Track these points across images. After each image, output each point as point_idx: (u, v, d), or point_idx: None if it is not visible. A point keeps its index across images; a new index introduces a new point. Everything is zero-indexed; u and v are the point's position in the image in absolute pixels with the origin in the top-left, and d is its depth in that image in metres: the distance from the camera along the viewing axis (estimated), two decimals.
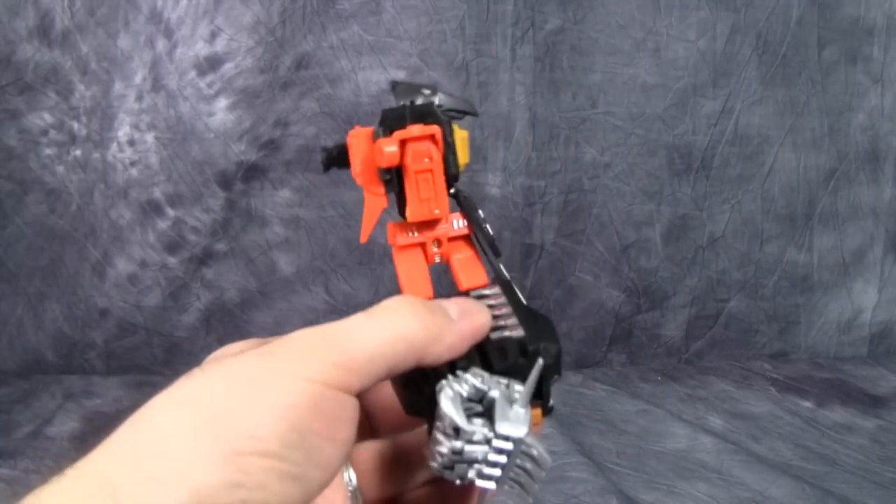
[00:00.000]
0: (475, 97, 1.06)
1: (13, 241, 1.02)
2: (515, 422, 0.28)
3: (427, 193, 0.35)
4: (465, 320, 0.31)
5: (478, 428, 0.28)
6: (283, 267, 1.06)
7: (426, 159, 0.35)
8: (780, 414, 0.98)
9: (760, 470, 0.82)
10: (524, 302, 0.34)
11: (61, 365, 1.04)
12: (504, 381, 0.30)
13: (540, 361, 0.30)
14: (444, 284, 0.37)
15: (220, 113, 1.02)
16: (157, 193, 1.03)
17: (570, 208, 1.09)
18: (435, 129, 0.35)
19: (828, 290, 1.16)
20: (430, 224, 0.36)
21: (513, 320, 0.33)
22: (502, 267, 0.36)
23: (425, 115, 0.35)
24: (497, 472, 0.28)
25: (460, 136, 0.36)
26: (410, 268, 0.36)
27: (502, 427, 0.28)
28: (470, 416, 0.29)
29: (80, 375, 1.03)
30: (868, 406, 1.00)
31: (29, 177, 1.01)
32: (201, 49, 1.00)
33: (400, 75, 1.03)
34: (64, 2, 0.98)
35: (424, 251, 0.36)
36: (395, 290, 0.34)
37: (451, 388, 0.29)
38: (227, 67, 1.01)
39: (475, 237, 0.36)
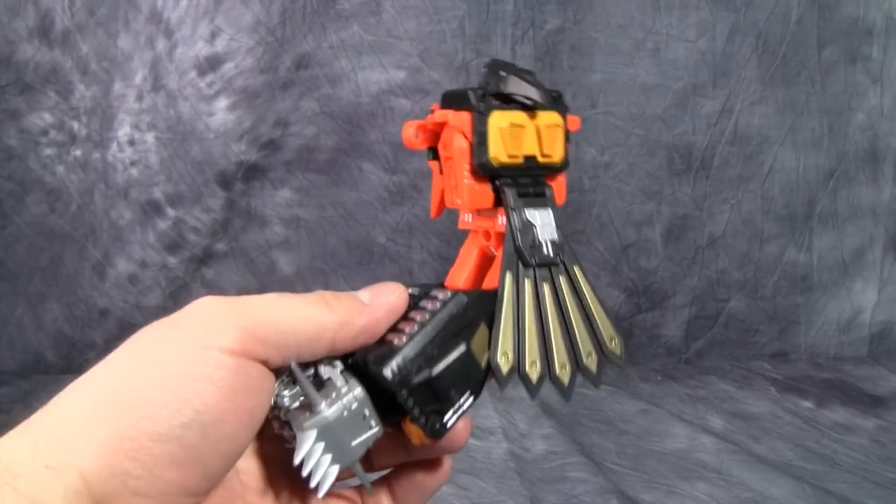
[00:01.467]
0: None
1: (13, 241, 1.02)
2: (307, 416, 0.29)
3: (450, 182, 0.35)
4: (378, 302, 0.31)
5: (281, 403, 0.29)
6: (283, 267, 1.06)
7: (448, 147, 0.34)
8: (780, 414, 0.98)
9: (760, 470, 0.82)
10: (505, 324, 0.33)
11: (61, 365, 1.04)
12: (346, 377, 0.30)
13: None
14: None
15: (220, 113, 1.02)
16: (158, 193, 1.03)
17: (570, 208, 1.09)
18: (459, 117, 0.34)
19: (827, 290, 1.16)
20: (489, 213, 0.35)
21: (414, 329, 0.31)
22: (508, 278, 0.34)
23: (457, 100, 0.34)
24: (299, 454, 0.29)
25: (495, 125, 0.34)
26: (462, 254, 0.37)
27: (291, 415, 0.29)
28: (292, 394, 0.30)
29: (80, 375, 1.02)
30: (868, 406, 1.00)
31: (29, 177, 1.01)
32: (201, 49, 1.00)
33: (400, 75, 1.03)
34: (64, 2, 0.98)
35: (480, 241, 0.36)
36: None
37: (293, 366, 0.29)
38: (227, 67, 1.01)
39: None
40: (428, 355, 0.31)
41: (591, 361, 0.34)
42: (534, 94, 0.35)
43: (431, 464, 0.34)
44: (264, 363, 0.28)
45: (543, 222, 0.35)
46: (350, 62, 1.03)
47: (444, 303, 0.33)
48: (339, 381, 0.31)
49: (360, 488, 0.34)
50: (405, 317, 0.32)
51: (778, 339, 1.16)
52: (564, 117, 0.36)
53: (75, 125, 1.01)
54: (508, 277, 0.34)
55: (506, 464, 0.83)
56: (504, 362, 0.33)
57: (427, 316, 0.32)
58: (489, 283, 0.35)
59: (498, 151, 0.34)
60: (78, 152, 1.02)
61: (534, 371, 0.33)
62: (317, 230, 1.06)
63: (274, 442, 0.31)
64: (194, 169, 1.02)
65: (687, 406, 0.99)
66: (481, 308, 0.33)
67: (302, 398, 0.30)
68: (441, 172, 0.35)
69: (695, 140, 1.09)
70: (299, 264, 1.06)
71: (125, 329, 1.04)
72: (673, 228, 1.11)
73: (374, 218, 1.05)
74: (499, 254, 0.35)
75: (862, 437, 0.91)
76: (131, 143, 1.02)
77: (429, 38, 1.02)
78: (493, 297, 0.34)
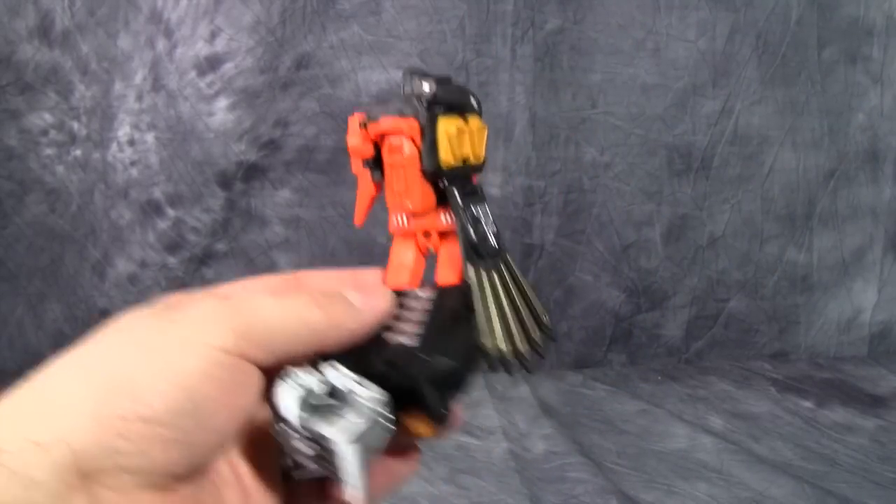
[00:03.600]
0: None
1: (13, 241, 1.02)
2: (338, 427, 0.29)
3: (399, 186, 0.37)
4: (367, 307, 0.32)
5: (294, 417, 0.28)
6: (283, 267, 1.06)
7: (397, 154, 0.36)
8: (780, 414, 0.98)
9: (760, 470, 0.82)
10: (486, 315, 0.35)
11: None
12: (361, 383, 0.30)
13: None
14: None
15: (220, 113, 1.02)
16: (157, 193, 1.03)
17: (570, 208, 1.09)
18: (409, 124, 0.36)
19: (827, 290, 1.16)
20: (425, 215, 0.38)
21: (416, 329, 0.33)
22: (472, 271, 0.36)
23: (392, 108, 0.37)
24: (310, 465, 0.29)
25: (444, 130, 0.36)
26: (398, 256, 0.39)
27: (320, 426, 0.28)
28: (310, 405, 0.29)
29: None
30: (868, 406, 1.00)
31: (29, 177, 1.01)
32: (201, 49, 1.00)
33: (400, 75, 1.03)
34: (64, 2, 0.98)
35: (417, 242, 0.38)
36: None
37: (297, 376, 0.29)
38: (227, 67, 1.01)
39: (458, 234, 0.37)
40: (441, 350, 0.32)
41: (538, 336, 0.37)
42: (471, 99, 0.38)
43: (405, 451, 0.35)
44: (255, 363, 0.29)
45: (485, 216, 0.38)
46: (350, 62, 1.03)
47: (431, 300, 0.35)
48: (354, 385, 0.31)
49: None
50: (396, 317, 0.34)
51: (778, 339, 1.16)
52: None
53: (75, 125, 1.01)
54: (472, 269, 0.36)
55: (506, 463, 0.83)
56: (506, 347, 0.35)
57: (422, 315, 0.34)
58: (443, 278, 0.37)
59: (447, 155, 0.37)
60: (78, 152, 1.02)
61: (524, 349, 0.36)
62: (317, 230, 1.06)
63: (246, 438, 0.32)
64: (194, 169, 1.02)
65: (687, 406, 0.99)
66: (459, 301, 0.35)
67: (325, 403, 0.30)
68: (375, 180, 0.38)
69: (695, 140, 1.09)
70: (299, 264, 1.06)
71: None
72: (673, 228, 1.11)
73: (374, 218, 1.05)
74: (444, 251, 0.38)
75: (862, 437, 0.91)
76: (131, 143, 1.02)
77: (429, 38, 1.02)
78: (463, 291, 0.36)
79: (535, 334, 0.37)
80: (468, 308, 0.35)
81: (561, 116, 1.07)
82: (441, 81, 0.37)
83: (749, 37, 1.08)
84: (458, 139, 0.37)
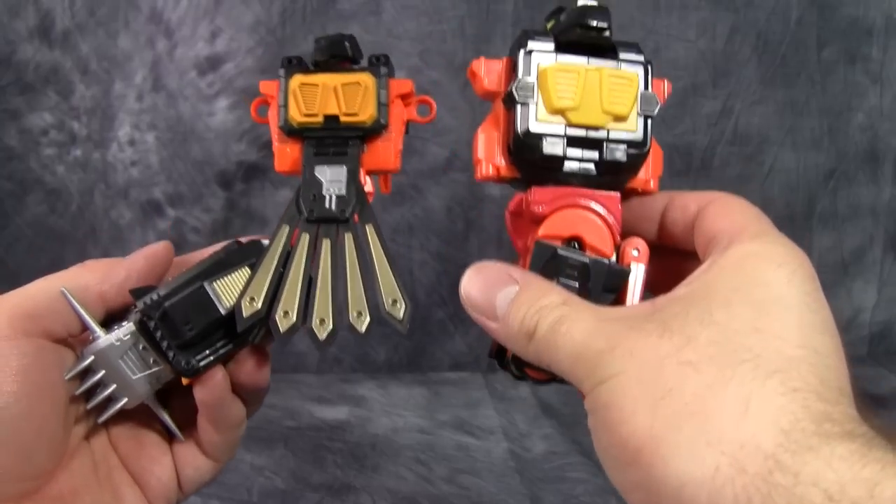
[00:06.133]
0: (475, 97, 1.06)
1: (13, 241, 1.02)
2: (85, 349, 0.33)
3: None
4: (136, 253, 0.34)
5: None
6: None
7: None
8: None
9: None
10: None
11: None
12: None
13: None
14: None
15: (221, 113, 1.02)
16: (158, 193, 1.03)
17: None
18: (269, 84, 0.40)
19: (827, 290, 1.14)
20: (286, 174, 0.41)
21: (181, 272, 0.35)
22: (285, 230, 0.36)
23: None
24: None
25: (291, 87, 0.37)
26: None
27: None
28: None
29: None
30: (868, 406, 1.00)
31: (29, 177, 1.01)
32: (201, 49, 1.00)
33: (400, 75, 1.03)
34: (64, 2, 0.98)
35: None
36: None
37: (71, 304, 0.32)
38: (228, 67, 1.01)
39: None
40: (173, 291, 0.33)
41: (359, 321, 0.34)
42: (318, 54, 0.37)
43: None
44: (48, 337, 0.29)
45: (332, 178, 0.36)
46: None
47: (218, 251, 0.36)
48: (124, 322, 0.34)
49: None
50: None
51: None
52: (381, 79, 0.37)
53: (75, 125, 1.01)
54: (284, 229, 0.36)
55: (506, 463, 0.83)
56: (247, 305, 0.34)
57: (197, 262, 0.35)
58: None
59: (294, 112, 0.36)
60: (78, 152, 1.02)
61: (285, 321, 0.34)
62: None
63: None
64: (194, 169, 1.02)
65: None
66: (249, 255, 0.35)
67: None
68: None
69: (695, 140, 1.09)
70: None
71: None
72: None
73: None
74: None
75: None
76: (131, 143, 1.02)
77: (429, 38, 1.02)
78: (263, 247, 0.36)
79: (359, 318, 0.34)
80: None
81: None
82: (323, 39, 0.37)
83: (749, 37, 1.08)
84: (303, 93, 0.36)
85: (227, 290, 0.34)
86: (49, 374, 0.29)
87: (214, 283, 0.34)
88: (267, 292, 0.34)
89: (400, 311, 0.34)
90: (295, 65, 0.37)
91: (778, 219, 0.33)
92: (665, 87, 0.36)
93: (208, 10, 1.00)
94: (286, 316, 0.33)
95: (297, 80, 0.36)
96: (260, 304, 0.34)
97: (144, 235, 1.03)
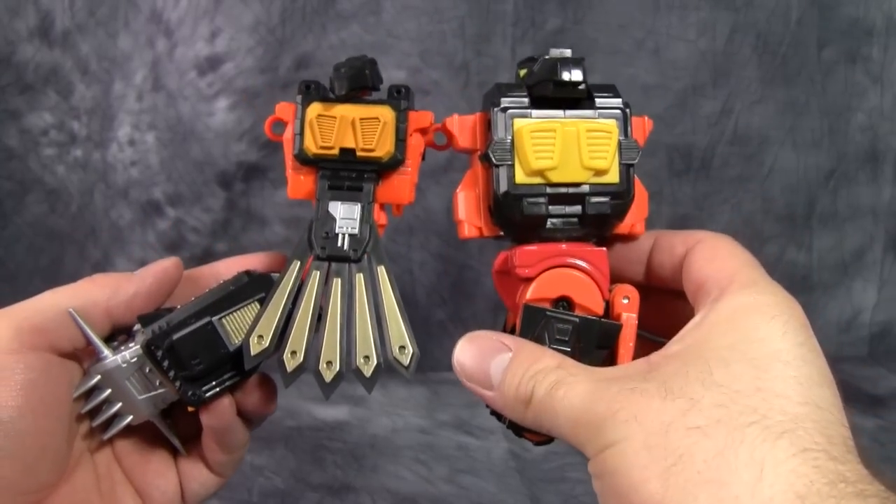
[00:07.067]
0: (475, 97, 1.06)
1: (13, 241, 1.02)
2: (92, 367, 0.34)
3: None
4: (145, 270, 0.33)
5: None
6: None
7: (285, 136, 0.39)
8: None
9: None
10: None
11: None
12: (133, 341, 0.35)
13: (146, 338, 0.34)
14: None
15: (220, 113, 1.02)
16: (157, 193, 1.03)
17: None
18: (286, 108, 0.38)
19: (827, 290, 1.16)
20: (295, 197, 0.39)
21: (189, 301, 0.34)
22: (296, 266, 0.35)
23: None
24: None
25: (308, 116, 0.36)
26: None
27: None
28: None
29: None
30: (868, 406, 1.00)
31: (29, 177, 1.01)
32: (201, 49, 1.00)
33: (400, 75, 1.03)
34: (64, 2, 0.98)
35: None
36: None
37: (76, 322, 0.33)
38: (227, 67, 1.01)
39: None
40: (181, 324, 0.33)
41: (366, 365, 0.34)
42: (339, 87, 0.36)
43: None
44: (55, 351, 0.29)
45: (345, 216, 0.35)
46: None
47: (227, 282, 0.35)
48: (130, 342, 0.34)
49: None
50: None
51: None
52: (401, 113, 0.36)
53: (75, 125, 1.01)
54: (295, 265, 0.35)
55: (506, 463, 0.83)
56: (255, 343, 0.33)
57: (207, 292, 0.35)
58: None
59: (310, 142, 0.35)
60: (78, 152, 1.02)
61: (292, 361, 0.33)
62: None
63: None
64: (194, 169, 1.02)
65: None
66: (259, 289, 0.35)
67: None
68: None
69: (695, 140, 1.09)
70: None
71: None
72: (673, 228, 1.11)
73: None
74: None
75: (862, 437, 0.91)
76: (131, 143, 1.02)
77: (429, 38, 1.02)
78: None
79: (366, 363, 0.34)
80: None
81: None
82: (341, 66, 0.36)
83: (749, 37, 1.08)
84: (319, 125, 0.34)
85: (236, 326, 0.34)
86: (55, 389, 0.29)
87: (223, 319, 0.34)
88: (275, 330, 0.34)
89: (407, 357, 0.35)
90: (313, 91, 0.36)
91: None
92: (645, 124, 0.37)
93: (208, 10, 1.00)
94: (293, 356, 0.33)
95: (315, 109, 0.35)
96: (268, 343, 0.33)
97: (144, 235, 1.03)
